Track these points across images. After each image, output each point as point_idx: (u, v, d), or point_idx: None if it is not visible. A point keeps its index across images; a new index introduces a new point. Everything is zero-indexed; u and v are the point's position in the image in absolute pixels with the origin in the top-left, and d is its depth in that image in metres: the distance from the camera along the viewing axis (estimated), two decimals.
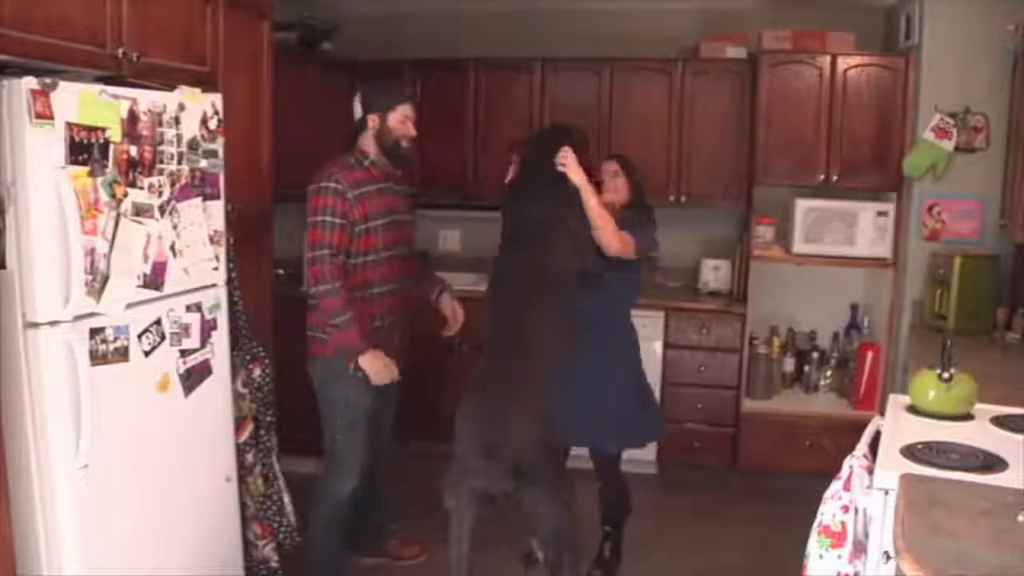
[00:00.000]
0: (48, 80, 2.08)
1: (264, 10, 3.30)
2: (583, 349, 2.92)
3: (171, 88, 2.56)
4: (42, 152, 2.08)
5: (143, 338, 2.45)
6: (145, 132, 2.40)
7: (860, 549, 1.91)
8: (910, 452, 1.96)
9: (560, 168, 2.90)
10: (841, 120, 4.14)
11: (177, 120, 2.54)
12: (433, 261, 4.47)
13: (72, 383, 2.18)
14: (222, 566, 2.82)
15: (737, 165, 4.43)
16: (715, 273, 4.58)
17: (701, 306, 4.35)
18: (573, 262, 2.88)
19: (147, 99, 2.41)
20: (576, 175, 2.89)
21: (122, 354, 2.36)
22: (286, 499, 3.06)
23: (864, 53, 4.18)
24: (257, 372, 2.98)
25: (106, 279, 2.27)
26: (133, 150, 2.36)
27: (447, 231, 5.10)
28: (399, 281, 3.01)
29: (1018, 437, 2.09)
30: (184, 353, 2.62)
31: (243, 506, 2.94)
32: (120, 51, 2.45)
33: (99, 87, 2.27)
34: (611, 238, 2.93)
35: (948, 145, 3.87)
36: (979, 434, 2.15)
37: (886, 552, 1.79)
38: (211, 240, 2.72)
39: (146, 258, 2.43)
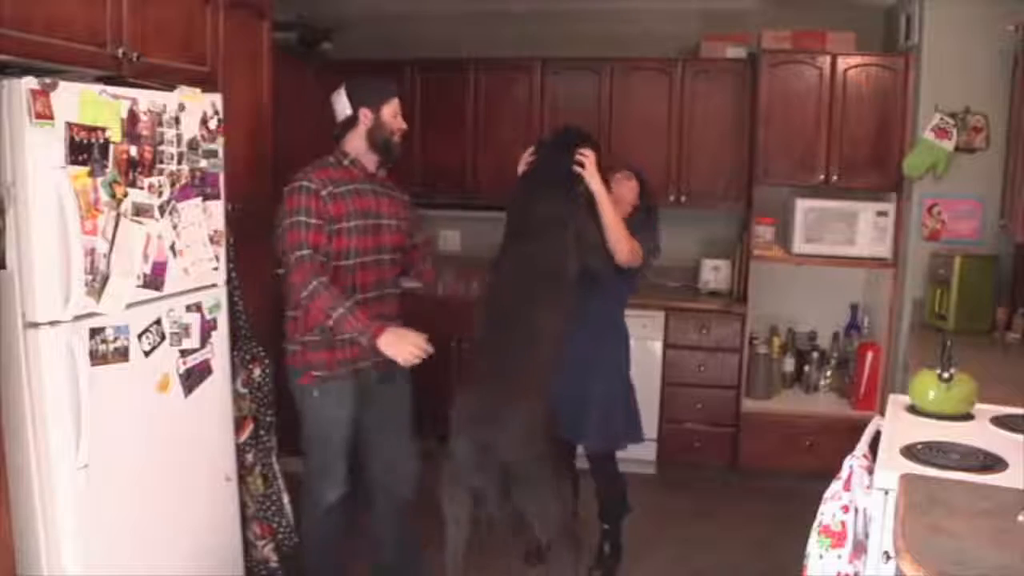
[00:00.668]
0: (48, 80, 2.08)
1: (264, 10, 3.31)
2: (576, 347, 2.91)
3: (171, 88, 2.56)
4: (42, 152, 2.08)
5: (143, 338, 2.45)
6: (145, 132, 2.40)
7: (860, 549, 1.91)
8: (910, 452, 1.96)
9: (577, 169, 2.89)
10: (841, 120, 4.14)
11: (177, 120, 2.53)
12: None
13: (72, 383, 2.18)
14: (222, 566, 2.82)
15: (737, 165, 4.43)
16: (715, 273, 4.59)
17: (701, 306, 4.35)
18: (574, 261, 2.86)
19: (147, 99, 2.41)
20: (595, 181, 2.89)
21: (122, 354, 2.36)
22: (286, 499, 3.06)
23: (864, 53, 4.18)
24: (257, 372, 2.98)
25: (106, 279, 2.27)
26: (133, 150, 2.36)
27: (447, 231, 5.10)
28: (379, 289, 2.76)
29: (1018, 437, 2.09)
30: (184, 353, 2.62)
31: (243, 506, 2.94)
32: (120, 51, 2.46)
33: (99, 87, 2.27)
34: (625, 249, 2.93)
35: (948, 145, 3.87)
36: (979, 434, 2.15)
37: (886, 552, 1.79)
38: (211, 240, 2.72)
39: (146, 258, 2.43)
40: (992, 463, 1.91)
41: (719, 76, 4.44)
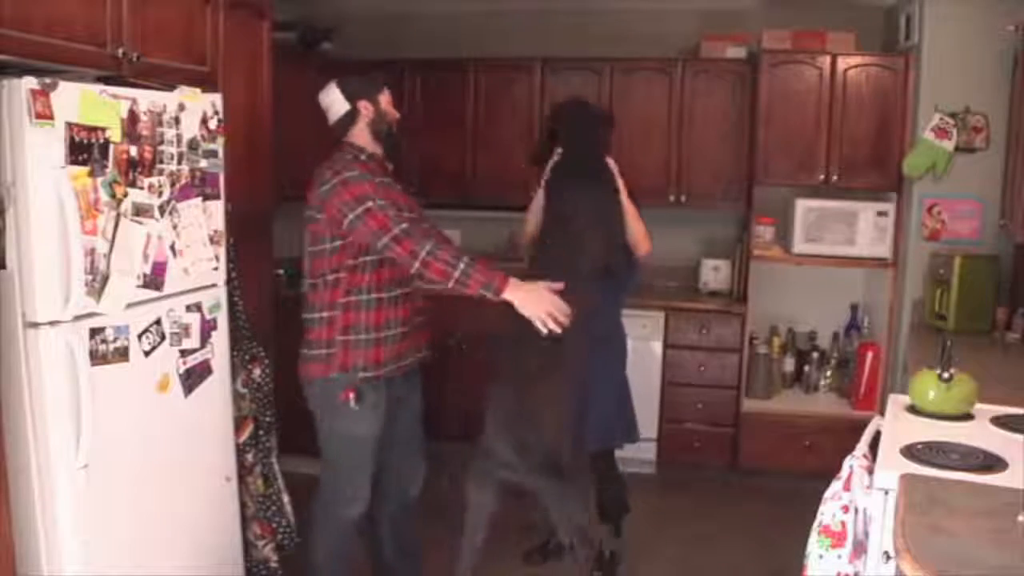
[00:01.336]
0: (48, 80, 2.08)
1: (264, 10, 3.31)
2: None
3: (171, 88, 2.56)
4: (42, 152, 2.08)
5: (143, 338, 2.45)
6: (145, 132, 2.40)
7: (860, 549, 1.91)
8: (910, 452, 1.96)
9: (612, 163, 2.90)
10: (841, 120, 4.14)
11: (177, 120, 2.53)
12: None
13: (72, 383, 2.18)
14: (222, 566, 2.81)
15: (737, 165, 4.43)
16: (715, 273, 4.59)
17: (701, 306, 4.35)
18: (602, 258, 2.83)
19: (147, 99, 2.41)
20: (620, 178, 2.90)
21: (122, 354, 2.36)
22: (286, 499, 3.06)
23: (864, 53, 4.18)
24: (257, 372, 2.98)
25: (106, 279, 2.27)
26: (133, 150, 2.35)
27: (447, 231, 5.02)
28: (404, 285, 2.70)
29: (1018, 437, 2.09)
30: (184, 353, 2.62)
31: (243, 506, 2.94)
32: (120, 51, 2.46)
33: (99, 87, 2.27)
34: (644, 239, 2.92)
35: (948, 145, 3.87)
36: (979, 434, 2.15)
37: (886, 552, 1.79)
38: (211, 240, 2.72)
39: (146, 258, 2.43)
40: (992, 463, 1.91)
41: (719, 76, 4.44)
